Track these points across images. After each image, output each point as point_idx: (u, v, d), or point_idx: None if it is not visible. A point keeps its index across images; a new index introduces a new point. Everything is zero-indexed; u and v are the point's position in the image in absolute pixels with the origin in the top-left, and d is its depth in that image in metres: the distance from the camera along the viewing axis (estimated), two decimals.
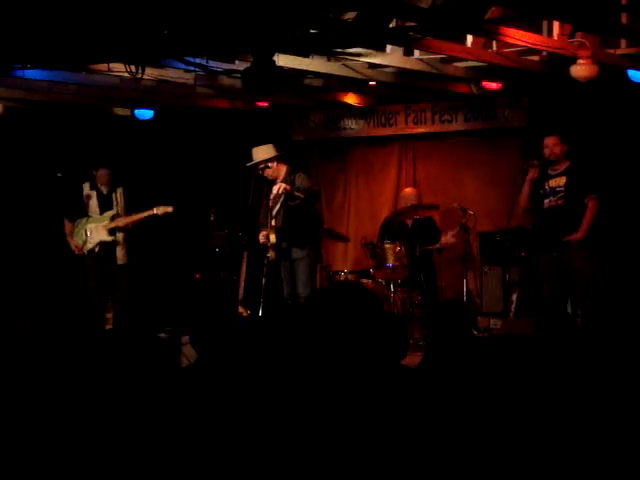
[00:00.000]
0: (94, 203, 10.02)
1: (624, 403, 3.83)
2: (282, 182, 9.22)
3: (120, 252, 9.98)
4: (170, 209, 9.98)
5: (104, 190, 10.05)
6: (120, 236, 9.98)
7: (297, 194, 9.11)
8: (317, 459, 3.00)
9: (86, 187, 10.06)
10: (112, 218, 9.95)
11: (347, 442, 3.03)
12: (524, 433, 3.51)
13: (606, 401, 3.86)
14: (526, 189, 8.98)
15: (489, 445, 3.31)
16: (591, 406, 3.81)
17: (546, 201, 8.94)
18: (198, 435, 3.43)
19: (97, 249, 9.93)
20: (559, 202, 8.87)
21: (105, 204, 10.03)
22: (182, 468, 3.35)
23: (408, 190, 11.37)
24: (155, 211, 9.95)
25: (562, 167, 8.95)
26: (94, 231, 9.95)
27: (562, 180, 8.92)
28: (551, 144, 8.93)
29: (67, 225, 10.10)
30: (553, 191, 8.91)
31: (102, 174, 10.04)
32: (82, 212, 10.03)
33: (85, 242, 9.93)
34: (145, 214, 9.99)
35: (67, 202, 10.16)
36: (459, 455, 3.15)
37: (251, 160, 9.42)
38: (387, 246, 10.33)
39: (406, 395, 3.22)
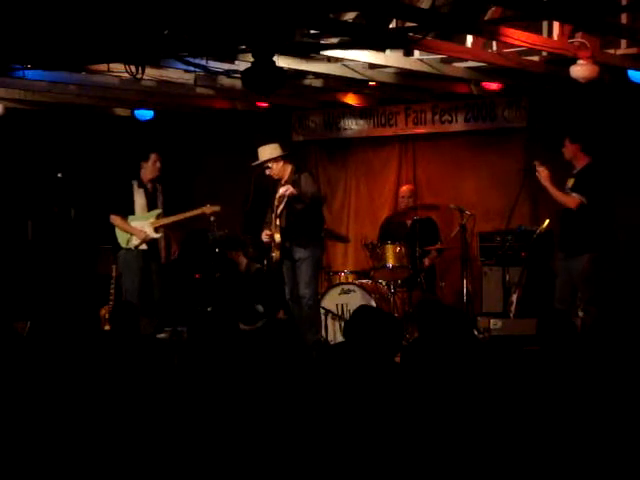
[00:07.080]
0: (142, 201, 9.90)
1: (624, 405, 3.83)
2: (288, 184, 9.14)
3: (163, 251, 9.90)
4: (218, 208, 9.92)
5: (150, 188, 9.95)
6: (163, 235, 9.89)
7: (302, 199, 9.06)
8: (315, 457, 3.00)
9: (134, 184, 9.93)
10: (157, 216, 9.85)
11: (346, 440, 3.03)
12: (524, 433, 3.51)
13: (606, 403, 3.86)
14: (549, 189, 8.95)
15: (488, 445, 3.31)
16: (591, 408, 3.80)
17: None
18: (197, 434, 3.43)
19: (143, 246, 9.77)
20: None
21: (151, 202, 9.91)
22: (181, 467, 3.35)
23: (404, 188, 11.37)
24: (204, 210, 9.91)
25: (579, 167, 9.00)
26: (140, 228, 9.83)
27: (572, 181, 8.98)
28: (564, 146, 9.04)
29: (116, 219, 9.80)
30: (568, 191, 8.98)
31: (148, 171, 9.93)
32: (130, 209, 9.89)
33: (129, 239, 9.78)
34: (194, 213, 9.94)
35: (117, 199, 9.94)
36: (457, 455, 3.15)
37: (256, 159, 9.36)
38: (387, 246, 10.33)
39: (405, 395, 3.22)
